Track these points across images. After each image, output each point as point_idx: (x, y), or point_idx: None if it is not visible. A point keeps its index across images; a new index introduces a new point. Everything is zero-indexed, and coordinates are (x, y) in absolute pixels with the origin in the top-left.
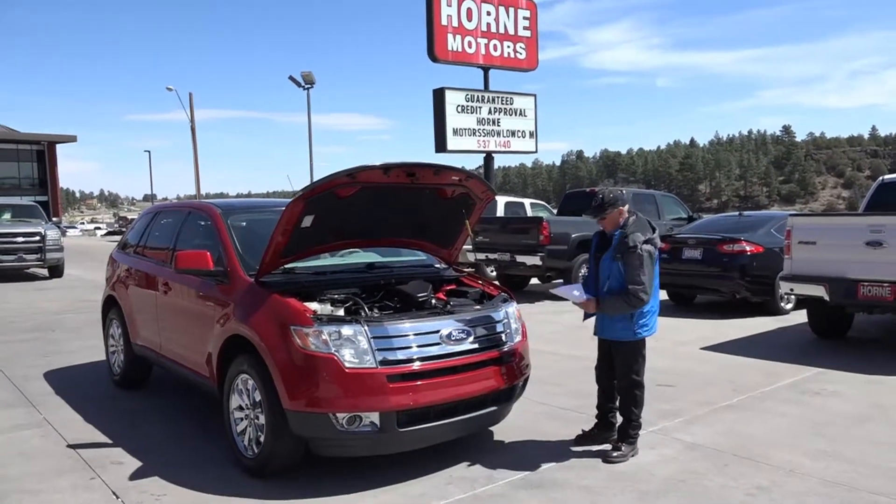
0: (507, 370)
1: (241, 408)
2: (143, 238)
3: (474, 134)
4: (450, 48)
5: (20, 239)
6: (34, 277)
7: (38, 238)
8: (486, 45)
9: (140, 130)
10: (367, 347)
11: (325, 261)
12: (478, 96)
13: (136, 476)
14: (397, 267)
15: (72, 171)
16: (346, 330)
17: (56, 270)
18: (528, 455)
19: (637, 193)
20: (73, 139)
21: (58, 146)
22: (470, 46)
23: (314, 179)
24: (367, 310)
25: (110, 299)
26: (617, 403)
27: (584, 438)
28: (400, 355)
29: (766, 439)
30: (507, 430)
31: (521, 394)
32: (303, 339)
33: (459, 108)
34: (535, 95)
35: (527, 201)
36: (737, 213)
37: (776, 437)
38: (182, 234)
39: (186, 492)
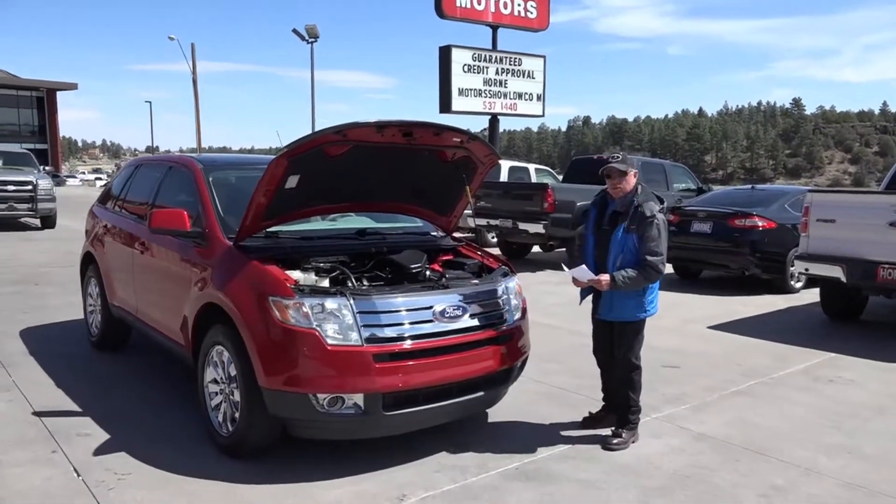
0: (505, 350)
1: (215, 381)
2: (123, 192)
3: (480, 95)
4: (458, 4)
5: (11, 188)
6: (26, 227)
7: (29, 187)
8: (496, 3)
9: (143, 80)
10: (352, 323)
11: (313, 225)
12: (485, 56)
13: (101, 451)
14: (391, 234)
15: (74, 120)
16: (330, 303)
17: (48, 221)
18: (523, 441)
19: (646, 162)
20: (73, 87)
21: (58, 94)
22: (479, 3)
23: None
24: (353, 281)
25: (88, 256)
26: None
27: (591, 421)
28: (388, 332)
29: (778, 431)
30: (501, 412)
31: (519, 375)
32: (282, 312)
33: (466, 68)
34: (544, 57)
35: (532, 167)
36: (749, 186)
37: (789, 428)
38: (162, 190)
39: (153, 471)
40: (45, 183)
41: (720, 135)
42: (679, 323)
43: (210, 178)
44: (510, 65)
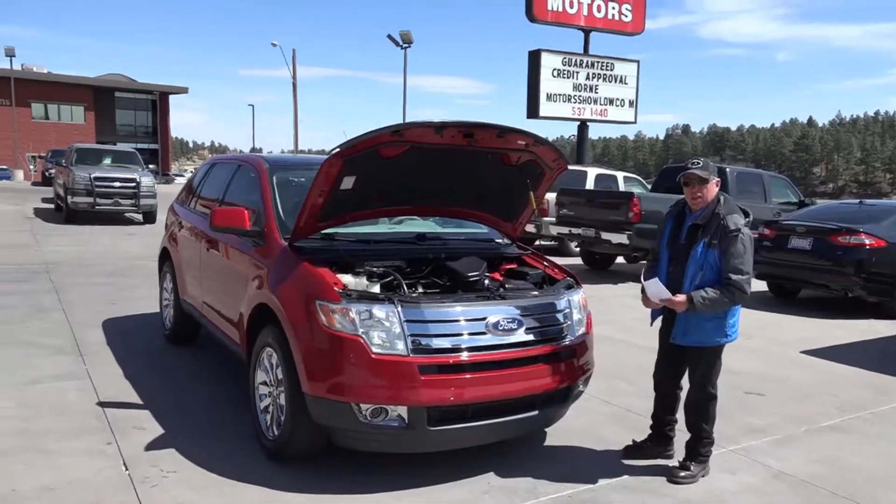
0: (565, 368)
1: (265, 383)
2: (197, 190)
3: (569, 100)
4: (549, 8)
5: (117, 184)
6: (130, 222)
7: (133, 184)
8: (589, 6)
9: (249, 85)
10: (398, 331)
11: (373, 228)
12: (576, 60)
13: (152, 446)
14: (451, 240)
15: (185, 122)
16: (377, 310)
17: (149, 216)
18: (581, 466)
19: (741, 172)
20: (184, 90)
21: (170, 97)
22: (571, 6)
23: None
24: (405, 287)
25: (164, 251)
26: (676, 416)
27: (633, 451)
28: (436, 343)
29: (874, 474)
30: (561, 432)
31: (580, 395)
32: (328, 317)
33: (555, 73)
34: (637, 62)
35: (620, 175)
36: (857, 200)
37: (888, 472)
38: (230, 188)
39: (197, 470)
40: (147, 180)
41: (831, 146)
42: (768, 345)
43: (274, 178)
44: (602, 69)
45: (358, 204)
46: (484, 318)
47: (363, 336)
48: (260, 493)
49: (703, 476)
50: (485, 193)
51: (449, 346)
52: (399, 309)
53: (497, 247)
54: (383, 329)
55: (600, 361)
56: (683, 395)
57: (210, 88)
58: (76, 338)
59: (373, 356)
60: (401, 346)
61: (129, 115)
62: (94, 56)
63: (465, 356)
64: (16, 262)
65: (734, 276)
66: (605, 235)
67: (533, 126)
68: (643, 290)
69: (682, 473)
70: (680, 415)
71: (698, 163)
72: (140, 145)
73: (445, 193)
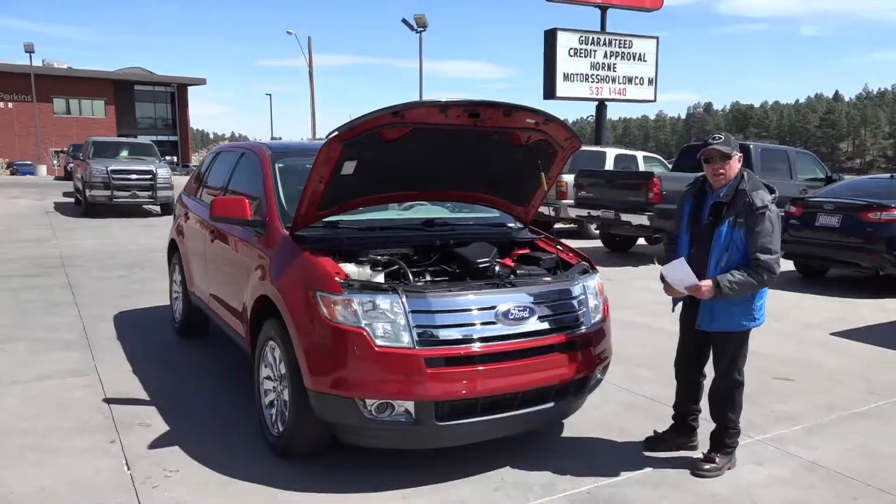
0: (581, 357)
1: (269, 378)
2: (203, 179)
3: (587, 80)
4: None
5: (134, 176)
6: (148, 214)
7: (149, 176)
8: None
9: (267, 75)
10: (403, 323)
11: (378, 214)
12: (593, 38)
13: (156, 444)
14: (461, 225)
15: (206, 114)
16: (381, 300)
17: (167, 208)
18: (600, 459)
19: (766, 149)
20: (202, 82)
21: (189, 88)
22: None
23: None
24: (410, 276)
25: (172, 243)
26: (700, 405)
27: (655, 442)
28: (443, 334)
29: None
30: (578, 423)
31: (598, 385)
32: (329, 309)
33: (572, 52)
34: (656, 38)
35: (640, 154)
36: (888, 175)
37: None
38: (234, 177)
39: (200, 469)
40: (163, 172)
41: (858, 120)
42: (796, 328)
43: (276, 166)
44: (620, 47)
45: (360, 190)
46: (494, 307)
47: (366, 328)
48: (263, 493)
49: (729, 468)
50: (494, 176)
51: (457, 337)
52: (403, 299)
53: (508, 231)
54: (387, 320)
55: (620, 347)
56: (707, 382)
57: (228, 80)
58: (87, 332)
59: (377, 349)
60: (406, 338)
61: (148, 107)
62: (113, 50)
63: (473, 347)
64: (34, 257)
65: (762, 256)
66: (624, 217)
67: (550, 107)
68: (662, 278)
69: (707, 466)
70: (704, 404)
71: (719, 137)
72: (160, 137)
73: (453, 177)
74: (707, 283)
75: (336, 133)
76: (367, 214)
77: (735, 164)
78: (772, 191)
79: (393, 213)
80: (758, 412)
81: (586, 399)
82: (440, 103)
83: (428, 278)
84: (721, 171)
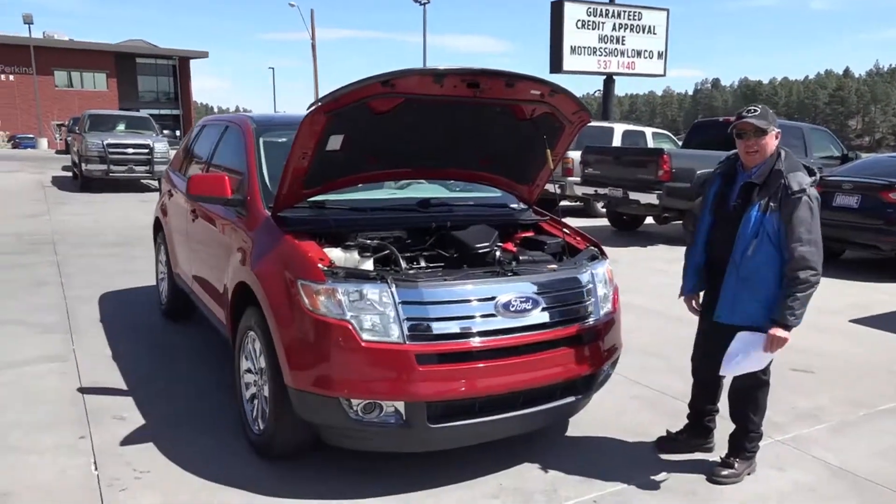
0: (588, 352)
1: (250, 371)
2: (187, 154)
3: (594, 53)
4: None
5: (130, 150)
6: (147, 189)
7: (146, 150)
8: None
9: (269, 49)
10: (393, 315)
11: (370, 194)
12: (601, 10)
13: (129, 440)
14: (459, 206)
15: (209, 88)
16: (368, 290)
17: None
18: (607, 462)
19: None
20: (204, 55)
21: (192, 62)
22: None
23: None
24: (402, 262)
25: (157, 222)
26: (718, 405)
27: (668, 443)
28: (436, 328)
29: None
30: (584, 421)
31: (607, 381)
32: (311, 298)
33: (579, 24)
34: (667, 11)
35: (648, 130)
36: None
37: None
38: (217, 152)
39: (173, 469)
40: (161, 146)
41: (868, 97)
42: (813, 313)
43: (261, 140)
44: (629, 19)
45: (349, 167)
46: (493, 298)
47: (352, 321)
48: (236, 498)
49: (748, 474)
50: (495, 152)
51: (452, 332)
52: (393, 289)
53: (511, 213)
54: (375, 312)
55: (629, 335)
56: (728, 380)
57: (231, 54)
58: (69, 314)
59: (363, 344)
60: (395, 332)
61: (150, 80)
62: (114, 22)
63: (470, 342)
64: (24, 233)
65: (801, 249)
66: (633, 195)
67: (557, 81)
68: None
69: (725, 472)
70: (722, 403)
71: (755, 110)
72: (163, 111)
73: (450, 153)
74: (776, 332)
75: (319, 104)
76: (358, 194)
77: (771, 141)
78: (812, 172)
79: (386, 192)
80: (777, 408)
81: (591, 397)
82: (435, 71)
83: (423, 264)
84: (755, 148)
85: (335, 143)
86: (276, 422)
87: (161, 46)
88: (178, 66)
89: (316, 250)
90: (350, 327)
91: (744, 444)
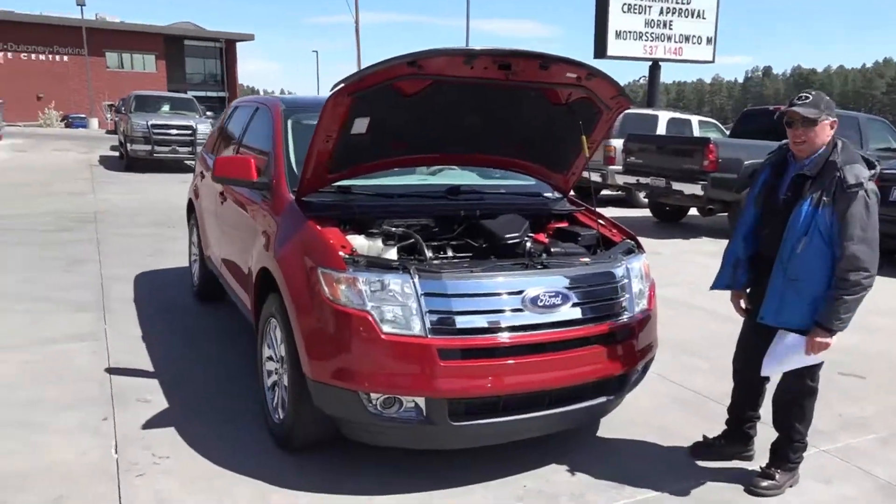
0: (621, 351)
1: (272, 359)
2: (219, 136)
3: (640, 38)
4: None
5: (174, 131)
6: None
7: (189, 131)
8: None
9: (315, 32)
10: (415, 307)
11: (399, 179)
12: None
13: (151, 423)
14: (490, 193)
15: (257, 71)
16: (390, 280)
17: None
18: (637, 467)
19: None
20: (250, 37)
21: (238, 45)
22: None
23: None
24: (426, 252)
25: (190, 203)
26: (759, 411)
27: (704, 449)
28: (461, 322)
29: None
30: (615, 421)
31: (640, 381)
32: (331, 287)
33: (625, 7)
34: None
35: (695, 119)
36: None
37: None
38: (247, 133)
39: (192, 456)
40: (203, 127)
41: None
42: (863, 314)
43: (289, 122)
44: (677, 3)
45: (376, 151)
46: (521, 292)
47: (372, 312)
48: (252, 491)
49: (790, 486)
50: (529, 138)
51: (476, 326)
52: (416, 280)
53: (544, 202)
54: (397, 304)
55: (666, 330)
56: (770, 385)
57: (277, 37)
58: (104, 293)
59: (383, 336)
60: (417, 325)
61: (198, 63)
62: (163, 5)
63: (495, 338)
64: (67, 211)
65: (853, 248)
66: (676, 185)
67: (600, 66)
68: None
69: (765, 483)
70: (765, 409)
71: (806, 97)
72: (209, 93)
73: (481, 138)
74: (818, 336)
75: (342, 84)
76: (386, 179)
77: (824, 132)
78: (871, 165)
79: (417, 178)
80: (823, 415)
81: (625, 397)
82: (465, 51)
83: (449, 254)
84: (802, 138)
85: (361, 125)
86: (296, 413)
87: (208, 29)
88: (225, 49)
89: (338, 237)
90: (370, 318)
91: (787, 453)
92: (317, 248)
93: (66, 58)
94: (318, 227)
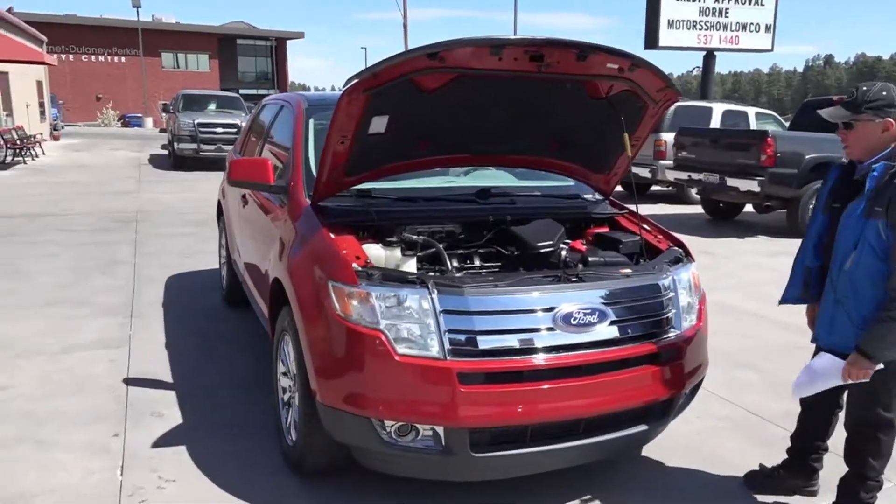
0: (667, 373)
1: (285, 375)
2: (246, 136)
3: (694, 27)
4: None
5: (220, 130)
6: None
7: (234, 129)
8: None
9: (364, 29)
10: (433, 326)
11: (427, 181)
12: None
13: (161, 442)
14: (523, 196)
15: (308, 69)
16: (407, 296)
17: None
18: (684, 499)
19: None
20: (300, 35)
21: (288, 42)
22: None
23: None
24: (449, 263)
25: (219, 205)
26: (827, 442)
27: (761, 480)
28: (484, 342)
29: None
30: (660, 446)
31: (686, 406)
32: (342, 303)
33: None
34: None
35: (751, 111)
36: None
37: None
38: (270, 133)
39: (198, 480)
40: None
41: None
42: None
43: (311, 121)
44: None
45: (397, 152)
46: (552, 309)
47: (386, 331)
48: None
49: None
50: (565, 136)
51: (500, 347)
52: (434, 295)
53: (583, 205)
54: (413, 321)
55: (718, 341)
56: (842, 413)
57: (327, 35)
58: (134, 296)
59: (397, 358)
60: (435, 346)
61: (250, 61)
62: (215, 5)
63: (522, 360)
64: (111, 210)
65: None
66: (731, 182)
67: (652, 58)
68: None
69: None
70: (835, 441)
71: (854, 92)
72: (261, 91)
73: (513, 137)
74: (857, 361)
75: (356, 80)
76: (412, 182)
77: (870, 134)
78: None
79: (446, 179)
80: None
81: (669, 424)
82: (491, 41)
83: (477, 264)
84: (845, 142)
85: (379, 124)
86: (308, 437)
87: (260, 28)
88: (276, 47)
89: (353, 247)
90: (384, 338)
91: (858, 492)
92: (328, 259)
93: (123, 59)
94: (332, 236)
